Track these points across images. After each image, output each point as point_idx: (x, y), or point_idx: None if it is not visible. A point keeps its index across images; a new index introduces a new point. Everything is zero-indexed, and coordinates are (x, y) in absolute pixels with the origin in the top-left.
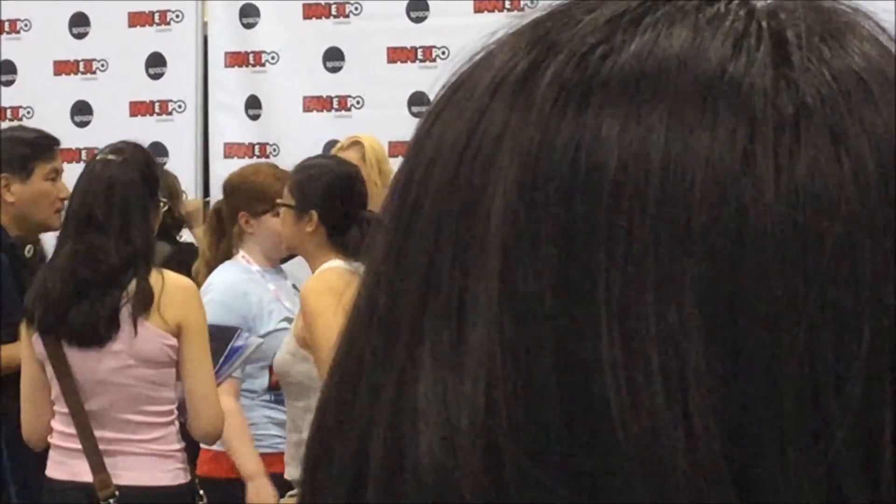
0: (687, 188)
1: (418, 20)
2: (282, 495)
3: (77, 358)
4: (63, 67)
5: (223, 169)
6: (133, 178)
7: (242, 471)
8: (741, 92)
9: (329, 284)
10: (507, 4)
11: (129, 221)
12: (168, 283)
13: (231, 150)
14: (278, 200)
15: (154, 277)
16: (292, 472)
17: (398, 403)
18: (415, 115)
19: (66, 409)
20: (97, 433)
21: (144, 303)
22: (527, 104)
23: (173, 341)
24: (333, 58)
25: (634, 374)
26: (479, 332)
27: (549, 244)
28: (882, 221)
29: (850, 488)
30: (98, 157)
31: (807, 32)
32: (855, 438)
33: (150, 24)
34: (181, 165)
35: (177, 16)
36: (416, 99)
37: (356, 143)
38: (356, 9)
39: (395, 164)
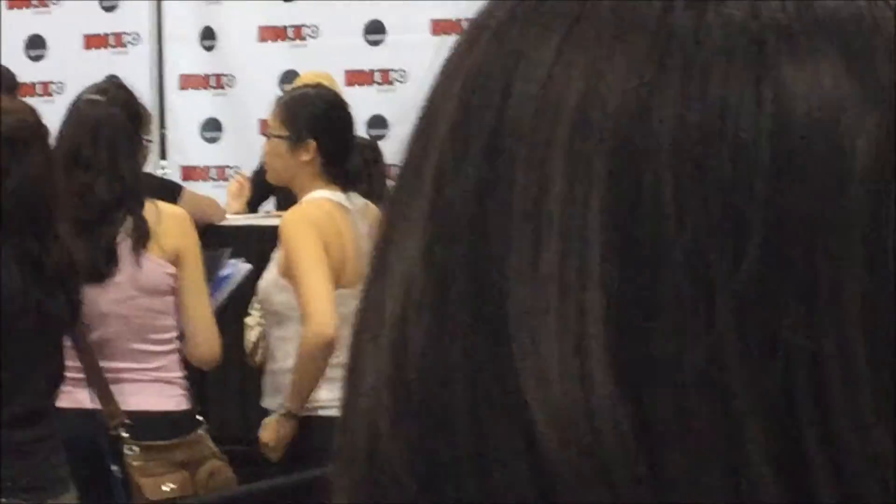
0: (602, 102)
1: None
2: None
3: None
4: (17, 1)
5: (179, 100)
6: (118, 116)
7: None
8: (664, 23)
9: (306, 214)
10: None
11: (116, 159)
12: (163, 212)
13: (186, 82)
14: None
15: (148, 208)
16: (268, 400)
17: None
18: (370, 43)
19: (68, 343)
20: (103, 364)
21: (143, 237)
22: (481, 35)
23: (172, 269)
24: None
25: (537, 277)
26: (410, 245)
27: (476, 156)
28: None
29: (741, 403)
30: (83, 98)
31: None
32: (748, 349)
33: None
34: None
35: None
36: (372, 27)
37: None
38: None
39: (350, 93)
